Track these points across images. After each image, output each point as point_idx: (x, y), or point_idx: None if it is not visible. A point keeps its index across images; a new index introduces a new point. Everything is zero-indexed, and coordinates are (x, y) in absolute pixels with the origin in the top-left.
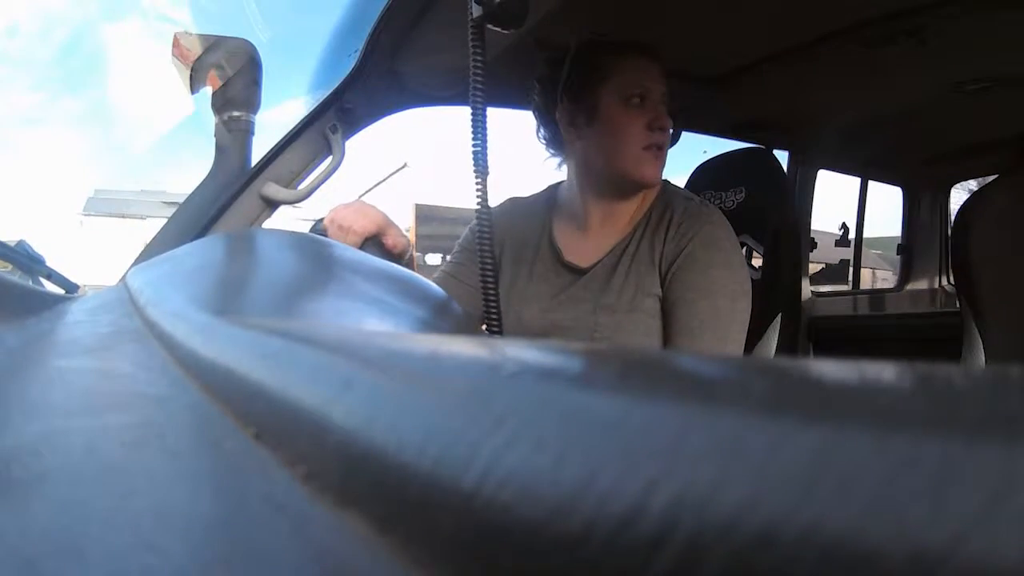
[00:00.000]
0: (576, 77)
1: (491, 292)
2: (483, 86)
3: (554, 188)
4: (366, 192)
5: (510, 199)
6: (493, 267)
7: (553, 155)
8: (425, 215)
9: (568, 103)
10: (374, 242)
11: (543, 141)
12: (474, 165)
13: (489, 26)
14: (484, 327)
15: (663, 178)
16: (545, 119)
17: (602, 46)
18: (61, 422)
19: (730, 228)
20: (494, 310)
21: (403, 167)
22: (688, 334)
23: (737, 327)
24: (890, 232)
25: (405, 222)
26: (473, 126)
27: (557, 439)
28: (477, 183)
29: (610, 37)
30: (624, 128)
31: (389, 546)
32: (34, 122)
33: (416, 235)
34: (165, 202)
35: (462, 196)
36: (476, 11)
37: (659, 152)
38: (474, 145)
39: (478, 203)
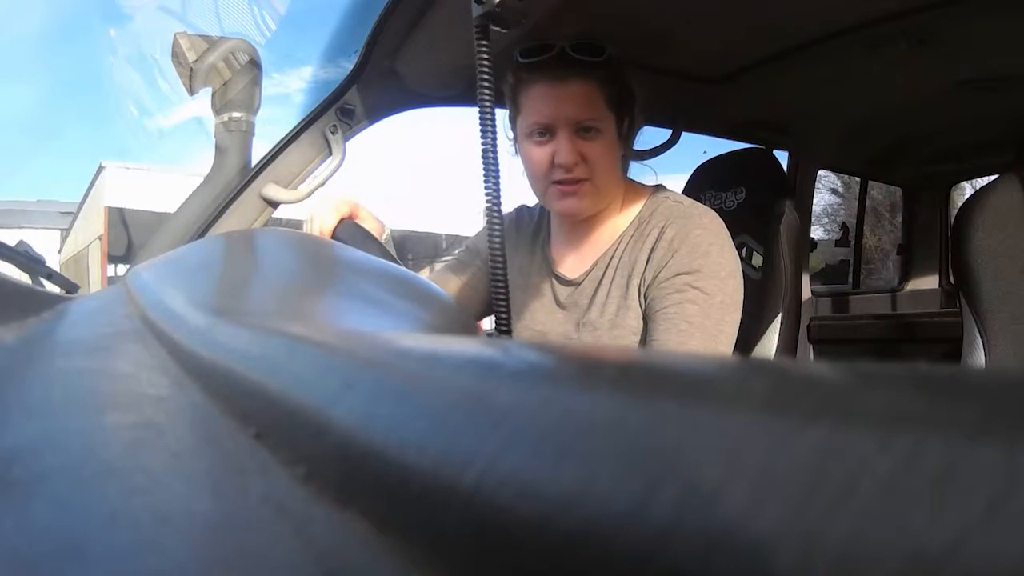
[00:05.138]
0: (509, 109)
1: (501, 294)
2: (490, 85)
3: None
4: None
5: (517, 208)
6: (503, 269)
7: None
8: (120, 220)
9: (512, 134)
10: (349, 224)
11: None
12: (483, 165)
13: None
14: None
15: (658, 183)
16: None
17: (520, 71)
18: (61, 422)
19: (723, 230)
20: (503, 312)
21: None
22: (675, 342)
23: (724, 339)
24: None
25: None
26: (481, 126)
27: (557, 439)
28: (487, 184)
29: (533, 51)
30: (531, 165)
31: (389, 546)
32: None
33: (107, 242)
34: (61, 212)
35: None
36: (476, 11)
37: (570, 187)
38: (483, 145)
39: (488, 204)
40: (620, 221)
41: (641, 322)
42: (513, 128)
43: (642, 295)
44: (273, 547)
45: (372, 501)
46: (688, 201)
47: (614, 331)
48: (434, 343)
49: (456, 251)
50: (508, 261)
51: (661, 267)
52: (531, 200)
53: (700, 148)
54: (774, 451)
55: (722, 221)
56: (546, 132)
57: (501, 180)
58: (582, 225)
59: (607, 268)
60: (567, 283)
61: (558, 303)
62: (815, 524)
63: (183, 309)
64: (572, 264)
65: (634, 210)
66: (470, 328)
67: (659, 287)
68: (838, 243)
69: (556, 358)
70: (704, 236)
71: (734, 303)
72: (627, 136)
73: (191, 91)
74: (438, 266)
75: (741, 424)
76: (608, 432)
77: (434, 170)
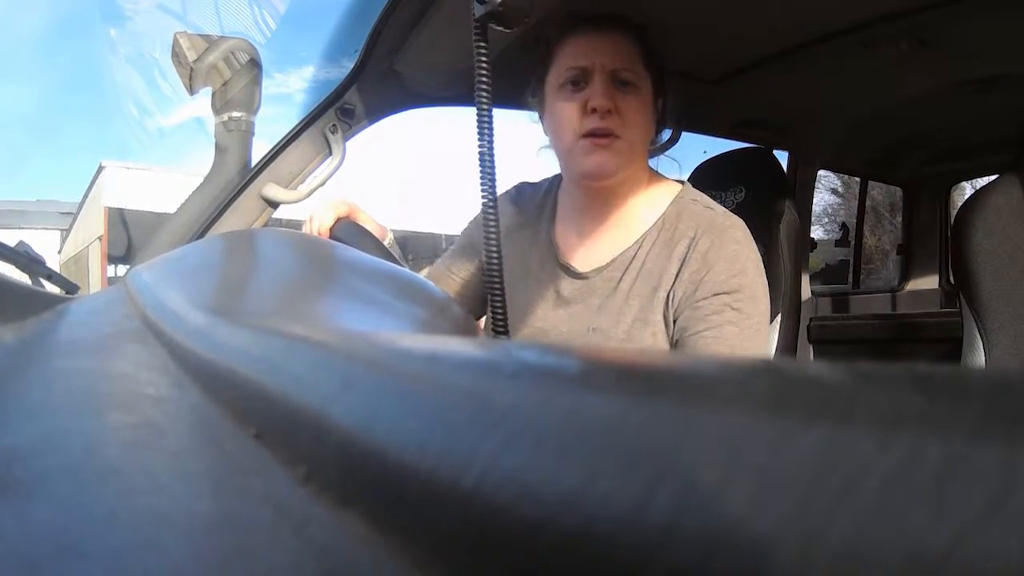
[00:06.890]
0: (537, 70)
1: (497, 294)
2: (488, 86)
3: (559, 177)
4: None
5: (517, 185)
6: (499, 269)
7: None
8: (120, 220)
9: (536, 99)
10: (347, 223)
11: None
12: (480, 166)
13: (491, 25)
14: (491, 330)
15: (681, 179)
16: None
17: (556, 27)
18: (61, 422)
19: (753, 242)
20: (500, 312)
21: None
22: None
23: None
24: None
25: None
26: (479, 126)
27: (557, 439)
28: (484, 185)
29: (572, 11)
30: (559, 117)
31: (389, 546)
32: None
33: (107, 242)
34: (61, 212)
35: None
36: (479, 10)
37: (600, 140)
38: (480, 146)
39: (484, 204)
40: (642, 215)
41: (660, 340)
42: (540, 92)
43: (670, 311)
44: (273, 547)
45: (372, 501)
46: (720, 208)
47: (627, 344)
48: (434, 343)
49: (450, 246)
50: (504, 247)
51: (696, 283)
52: None
53: (700, 148)
54: (774, 451)
55: (749, 231)
56: (580, 80)
57: (497, 181)
58: (598, 209)
59: (627, 271)
60: (576, 275)
61: (562, 297)
62: (815, 524)
63: (183, 309)
64: (583, 255)
65: (658, 206)
66: (469, 328)
67: (695, 307)
68: (838, 243)
69: (556, 358)
70: (740, 251)
71: (767, 321)
72: (660, 114)
73: (191, 91)
74: (433, 264)
75: (741, 424)
76: (608, 432)
77: (434, 170)
